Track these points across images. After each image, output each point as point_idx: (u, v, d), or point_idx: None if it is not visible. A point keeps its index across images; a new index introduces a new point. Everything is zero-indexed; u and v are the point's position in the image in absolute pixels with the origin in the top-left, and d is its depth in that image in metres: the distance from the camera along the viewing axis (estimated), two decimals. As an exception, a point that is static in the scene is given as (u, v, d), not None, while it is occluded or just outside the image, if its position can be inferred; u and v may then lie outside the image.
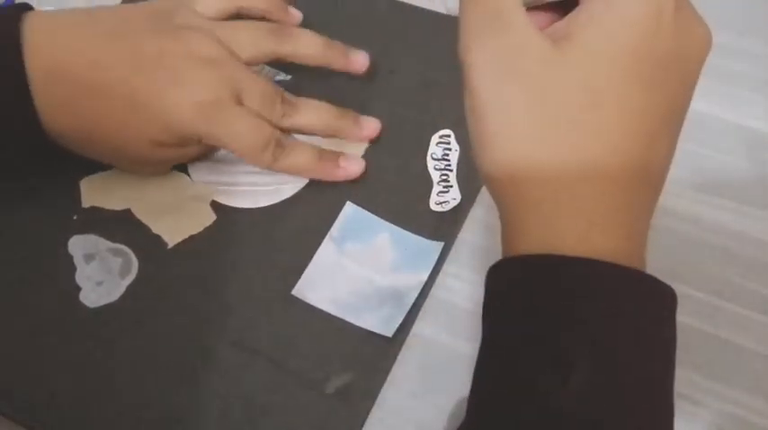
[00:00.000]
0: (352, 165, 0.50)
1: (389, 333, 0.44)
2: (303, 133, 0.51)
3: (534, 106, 0.32)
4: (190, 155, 0.50)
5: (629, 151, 0.32)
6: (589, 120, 0.32)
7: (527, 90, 0.32)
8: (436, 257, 0.47)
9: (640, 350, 0.31)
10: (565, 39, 0.32)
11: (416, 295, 0.46)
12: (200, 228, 0.49)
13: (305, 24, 0.53)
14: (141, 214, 0.50)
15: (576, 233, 0.32)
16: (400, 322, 0.45)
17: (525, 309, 0.32)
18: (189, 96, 0.45)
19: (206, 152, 0.51)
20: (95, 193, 0.51)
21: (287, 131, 0.49)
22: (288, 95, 0.49)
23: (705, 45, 0.35)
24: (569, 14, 0.33)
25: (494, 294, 0.34)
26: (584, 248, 0.31)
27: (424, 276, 0.46)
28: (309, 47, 0.51)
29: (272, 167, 0.48)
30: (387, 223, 0.48)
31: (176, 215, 0.50)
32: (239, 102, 0.47)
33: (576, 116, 0.32)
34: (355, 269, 0.47)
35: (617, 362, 0.31)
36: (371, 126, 0.52)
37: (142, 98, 0.45)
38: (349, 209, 0.49)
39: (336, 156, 0.50)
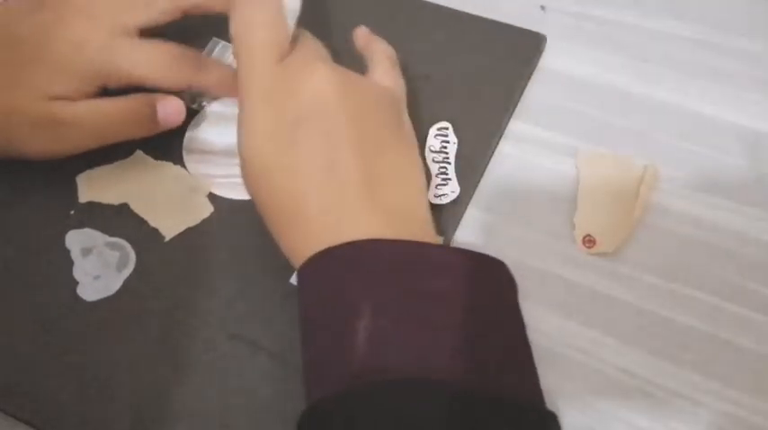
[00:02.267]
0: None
1: None
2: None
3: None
4: (82, 121, 0.48)
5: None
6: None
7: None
8: None
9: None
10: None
11: None
12: (198, 221, 0.49)
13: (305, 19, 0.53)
14: (139, 208, 0.50)
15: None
16: None
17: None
18: (90, 32, 0.46)
19: (98, 135, 0.49)
20: (92, 188, 0.50)
21: None
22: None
23: (318, 86, 0.41)
24: None
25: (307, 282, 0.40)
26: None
27: None
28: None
29: (193, 83, 0.49)
30: None
31: (174, 208, 0.50)
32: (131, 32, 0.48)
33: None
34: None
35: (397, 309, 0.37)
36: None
37: (40, 38, 0.46)
38: None
39: None
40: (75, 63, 0.46)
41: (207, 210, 0.49)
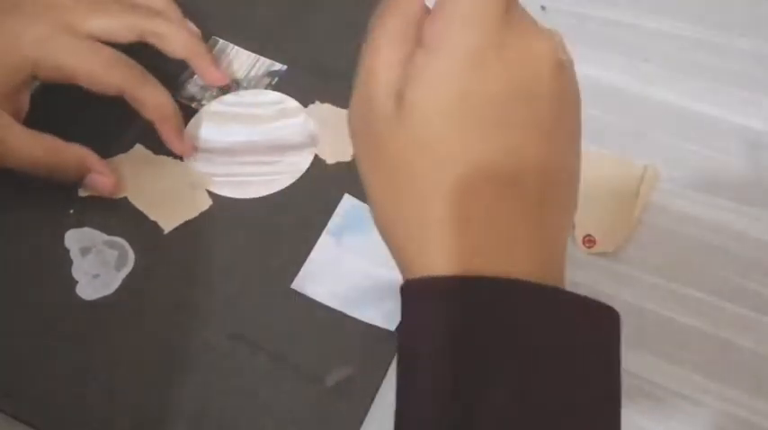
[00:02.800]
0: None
1: (392, 327, 0.44)
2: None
3: (380, 169, 0.31)
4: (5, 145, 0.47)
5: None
6: (426, 176, 0.30)
7: (374, 151, 0.31)
8: None
9: (570, 376, 0.30)
10: (398, 95, 0.30)
11: None
12: (196, 213, 0.49)
13: (305, 17, 0.53)
14: (138, 202, 0.50)
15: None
16: None
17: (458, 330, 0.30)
18: (26, 25, 0.46)
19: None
20: None
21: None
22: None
23: (546, 59, 0.31)
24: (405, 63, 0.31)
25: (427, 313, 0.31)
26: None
27: None
28: (177, 40, 0.50)
29: (126, 92, 0.48)
30: None
31: (173, 201, 0.50)
32: (77, 32, 0.47)
33: (416, 173, 0.31)
34: (355, 262, 0.47)
35: (542, 385, 0.29)
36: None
37: None
38: (347, 202, 0.49)
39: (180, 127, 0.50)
40: (8, 49, 0.46)
41: (206, 202, 0.49)
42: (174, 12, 0.52)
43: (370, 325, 0.44)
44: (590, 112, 0.51)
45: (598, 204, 0.48)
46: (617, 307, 0.45)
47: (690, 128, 0.51)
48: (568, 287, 0.46)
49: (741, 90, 0.53)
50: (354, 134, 0.33)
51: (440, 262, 0.30)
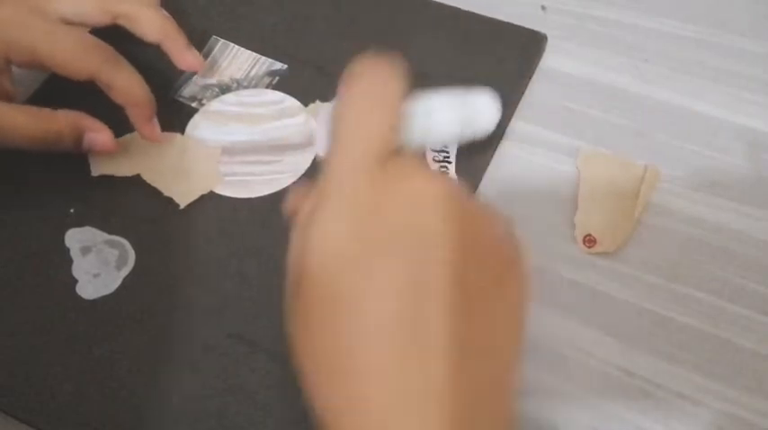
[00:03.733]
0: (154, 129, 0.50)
1: None
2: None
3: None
4: None
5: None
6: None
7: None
8: None
9: None
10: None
11: None
12: (208, 190, 0.50)
13: (304, 17, 0.53)
14: (151, 178, 0.50)
15: None
16: None
17: None
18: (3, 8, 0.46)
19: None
20: (104, 161, 0.51)
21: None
22: None
23: (430, 202, 0.31)
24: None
25: None
26: None
27: None
28: (149, 23, 0.50)
29: (98, 77, 0.47)
30: None
31: (186, 176, 0.50)
32: (47, 15, 0.47)
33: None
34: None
35: None
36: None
37: None
38: None
39: (151, 114, 0.49)
40: None
41: (217, 179, 0.50)
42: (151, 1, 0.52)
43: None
44: (590, 112, 0.52)
45: (598, 204, 0.48)
46: (617, 307, 0.45)
47: (690, 128, 0.51)
48: (568, 287, 0.46)
49: (741, 90, 0.53)
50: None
51: None
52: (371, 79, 0.34)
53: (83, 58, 0.47)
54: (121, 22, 0.49)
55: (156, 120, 0.50)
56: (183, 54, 0.51)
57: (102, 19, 0.49)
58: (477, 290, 0.31)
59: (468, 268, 0.30)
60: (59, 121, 0.47)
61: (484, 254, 0.32)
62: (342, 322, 0.30)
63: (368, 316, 0.29)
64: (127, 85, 0.48)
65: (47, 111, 0.47)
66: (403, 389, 0.29)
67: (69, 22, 0.48)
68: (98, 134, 0.48)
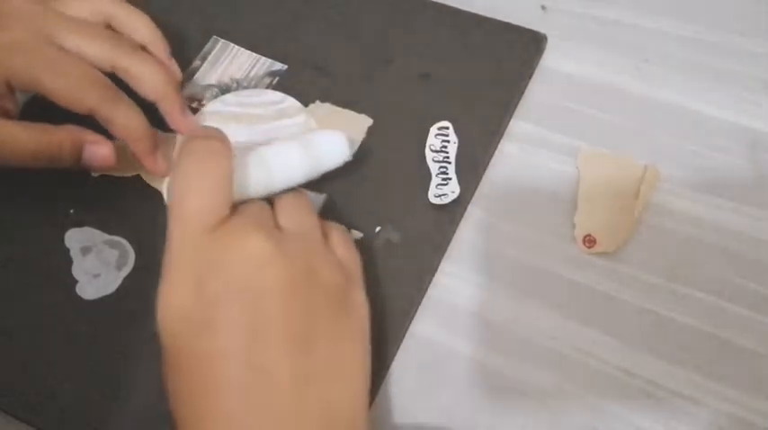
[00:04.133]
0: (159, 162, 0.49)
1: None
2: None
3: None
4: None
5: None
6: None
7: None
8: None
9: None
10: None
11: None
12: None
13: (304, 17, 0.53)
14: (151, 178, 0.50)
15: None
16: None
17: None
18: (7, 32, 0.45)
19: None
20: None
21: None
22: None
23: (251, 258, 0.37)
24: None
25: None
26: None
27: None
28: (150, 83, 0.49)
29: (97, 113, 0.46)
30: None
31: None
32: (54, 43, 0.46)
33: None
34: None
35: None
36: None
37: None
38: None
39: (153, 148, 0.48)
40: None
41: None
42: (158, 45, 0.51)
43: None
44: (590, 112, 0.52)
45: (598, 204, 0.48)
46: (617, 307, 0.45)
47: (690, 128, 0.51)
48: (568, 287, 0.46)
49: (741, 90, 0.53)
50: None
51: None
52: (201, 155, 0.39)
53: (83, 94, 0.46)
54: (121, 76, 0.48)
55: (159, 153, 0.49)
56: (177, 119, 0.49)
57: (102, 67, 0.48)
58: (317, 326, 0.37)
59: (304, 310, 0.36)
60: (60, 135, 0.47)
61: (320, 293, 0.37)
62: (194, 373, 0.35)
63: (214, 367, 0.35)
64: (126, 122, 0.47)
65: (47, 126, 0.46)
66: (249, 427, 0.34)
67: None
68: (99, 147, 0.47)
